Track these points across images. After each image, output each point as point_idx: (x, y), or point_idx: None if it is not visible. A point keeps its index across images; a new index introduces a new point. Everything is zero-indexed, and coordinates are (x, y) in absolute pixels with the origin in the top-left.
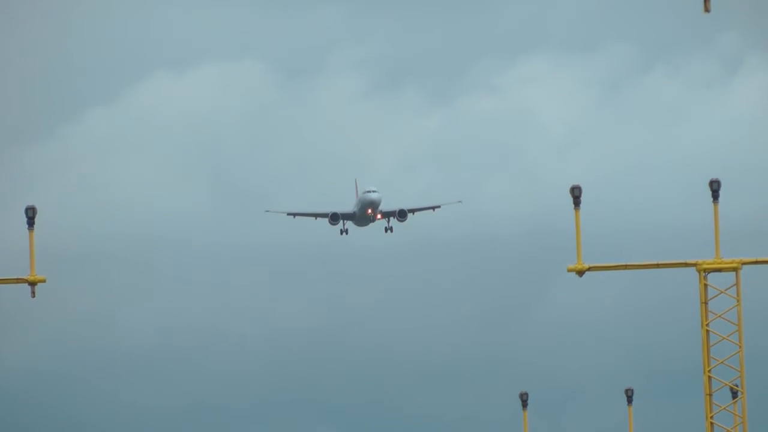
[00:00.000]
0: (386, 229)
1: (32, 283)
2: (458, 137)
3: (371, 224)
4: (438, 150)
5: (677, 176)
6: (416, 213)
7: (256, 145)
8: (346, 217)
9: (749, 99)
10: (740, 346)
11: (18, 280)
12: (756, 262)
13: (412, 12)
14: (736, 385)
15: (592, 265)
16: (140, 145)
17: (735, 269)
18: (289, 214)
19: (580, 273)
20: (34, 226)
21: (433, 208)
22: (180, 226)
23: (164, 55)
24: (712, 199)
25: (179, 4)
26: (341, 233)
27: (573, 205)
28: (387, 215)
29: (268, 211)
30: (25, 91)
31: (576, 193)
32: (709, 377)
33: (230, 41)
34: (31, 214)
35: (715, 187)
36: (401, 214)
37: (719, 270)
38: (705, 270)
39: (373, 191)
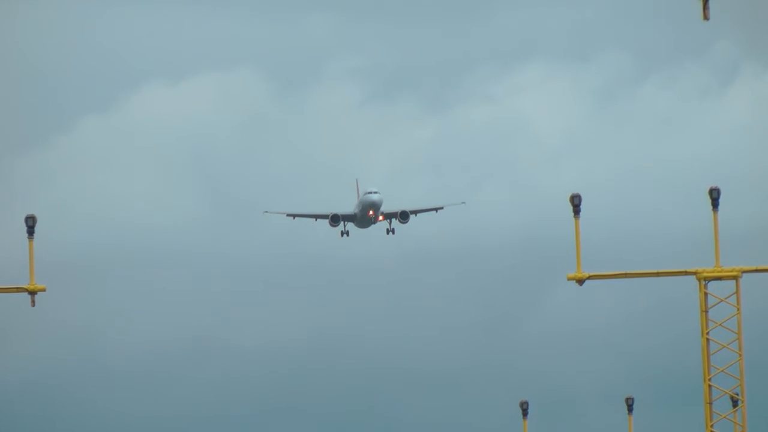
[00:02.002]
0: (388, 231)
1: (32, 292)
2: (454, 146)
3: (372, 226)
4: (433, 159)
5: (675, 185)
6: (419, 214)
7: (252, 154)
8: (347, 218)
9: (745, 107)
10: (740, 355)
11: (18, 289)
12: (756, 270)
13: (407, 21)
14: (737, 394)
15: (591, 273)
16: (135, 155)
17: (735, 277)
18: (288, 215)
19: (580, 281)
20: (34, 235)
21: (436, 209)
22: (177, 235)
23: (159, 64)
24: (711, 207)
25: (174, 14)
26: (342, 235)
27: (573, 214)
28: (389, 217)
29: (267, 212)
30: (19, 101)
31: (576, 202)
32: (709, 385)
33: (225, 50)
34: (31, 223)
35: (714, 195)
36: (403, 216)
37: (719, 278)
38: (705, 278)
39: (375, 192)
